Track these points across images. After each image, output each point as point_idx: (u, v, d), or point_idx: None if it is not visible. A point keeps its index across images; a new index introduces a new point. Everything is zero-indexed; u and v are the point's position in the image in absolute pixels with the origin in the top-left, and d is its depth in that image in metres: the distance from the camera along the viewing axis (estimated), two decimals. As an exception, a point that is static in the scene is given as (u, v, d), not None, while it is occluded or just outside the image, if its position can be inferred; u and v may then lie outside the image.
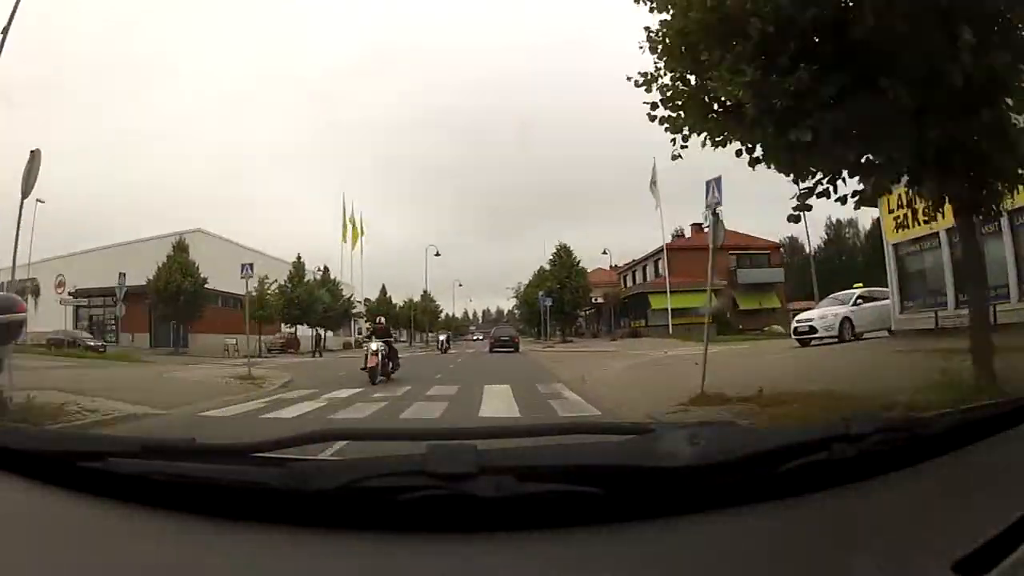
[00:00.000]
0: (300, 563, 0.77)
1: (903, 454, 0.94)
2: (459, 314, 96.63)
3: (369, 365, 12.26)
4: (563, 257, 44.42)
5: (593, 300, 46.76)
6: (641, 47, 5.92)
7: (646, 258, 48.16)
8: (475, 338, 67.15)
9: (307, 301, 37.65)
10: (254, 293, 29.05)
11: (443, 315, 72.36)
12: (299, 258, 39.82)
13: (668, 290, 37.81)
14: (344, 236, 49.81)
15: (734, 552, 0.77)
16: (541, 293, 42.15)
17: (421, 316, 54.33)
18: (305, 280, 39.07)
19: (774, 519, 0.82)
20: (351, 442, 1.05)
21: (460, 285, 68.01)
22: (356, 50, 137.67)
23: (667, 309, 36.90)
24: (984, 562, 0.71)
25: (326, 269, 43.96)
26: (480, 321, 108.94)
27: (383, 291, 51.28)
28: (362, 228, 51.98)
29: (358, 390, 11.04)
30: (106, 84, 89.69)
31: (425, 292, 61.56)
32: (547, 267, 45.16)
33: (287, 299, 36.90)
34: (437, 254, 55.75)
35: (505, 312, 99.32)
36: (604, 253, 51.96)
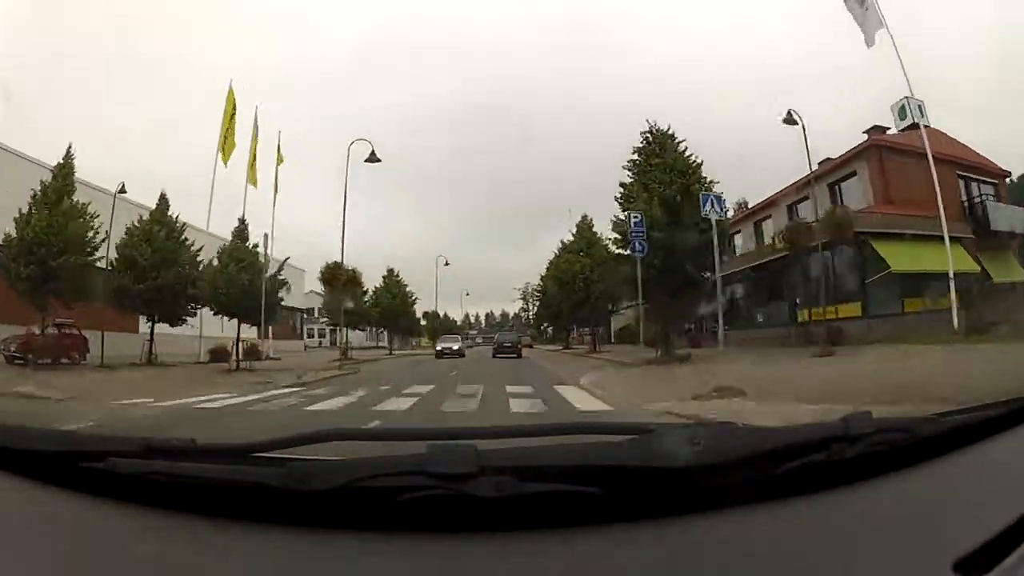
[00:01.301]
0: (300, 563, 0.77)
1: (903, 454, 0.94)
2: (455, 316, 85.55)
3: None
4: (660, 149, 18.06)
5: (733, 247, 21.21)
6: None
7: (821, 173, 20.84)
8: (446, 347, 30.83)
9: (50, 246, 16.48)
10: None
11: (416, 306, 46.97)
12: (68, 154, 18.25)
13: (946, 232, 16.59)
14: (224, 148, 26.10)
15: (734, 552, 0.77)
16: (628, 217, 17.49)
17: (362, 302, 32.99)
18: (70, 203, 17.61)
19: (774, 519, 0.82)
20: (351, 442, 1.05)
21: (447, 264, 45.88)
22: (356, 48, 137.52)
23: (949, 276, 16.22)
24: (984, 562, 0.71)
25: (163, 198, 21.38)
26: (483, 325, 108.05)
27: (239, 233, 22.24)
28: (279, 154, 26.91)
29: None
30: (105, 76, 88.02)
31: (390, 271, 41.84)
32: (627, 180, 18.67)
33: (20, 242, 16.74)
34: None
35: (511, 315, 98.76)
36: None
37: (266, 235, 21.94)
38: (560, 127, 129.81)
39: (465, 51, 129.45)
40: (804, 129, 18.15)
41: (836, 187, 22.35)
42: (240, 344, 20.27)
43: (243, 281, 20.00)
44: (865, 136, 21.76)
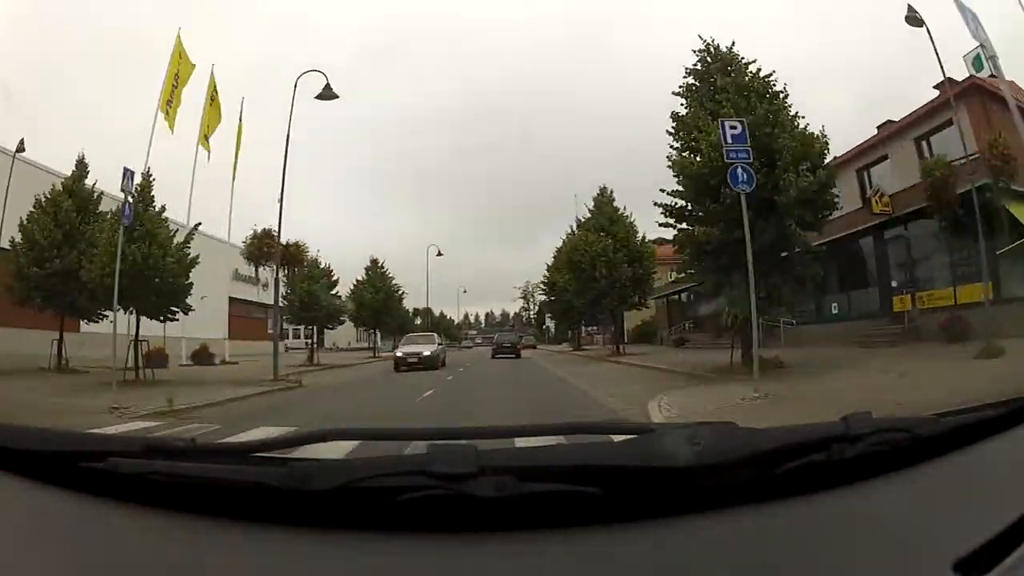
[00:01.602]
0: (300, 563, 0.77)
1: (903, 454, 0.94)
2: (452, 315, 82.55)
3: None
4: (727, 68, 13.11)
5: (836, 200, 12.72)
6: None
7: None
8: (409, 354, 21.81)
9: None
10: None
11: (406, 302, 41.15)
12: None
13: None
14: (168, 108, 22.35)
15: (734, 552, 0.77)
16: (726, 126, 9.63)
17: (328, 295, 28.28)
18: None
19: (774, 519, 0.82)
20: (351, 442, 1.06)
21: (440, 254, 44.23)
22: (355, 46, 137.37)
23: None
24: (984, 562, 0.71)
25: (80, 163, 17.95)
26: (483, 324, 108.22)
27: (141, 193, 14.36)
28: (241, 124, 25.41)
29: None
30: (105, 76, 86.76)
31: (374, 262, 35.71)
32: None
33: None
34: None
35: (511, 315, 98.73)
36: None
37: (126, 170, 12.69)
38: (560, 126, 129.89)
39: (464, 48, 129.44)
40: (930, 32, 13.01)
41: (925, 141, 16.92)
42: (140, 345, 14.68)
43: (136, 257, 13.62)
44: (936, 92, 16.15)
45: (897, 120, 18.17)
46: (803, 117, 12.85)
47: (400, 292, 37.89)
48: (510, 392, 12.75)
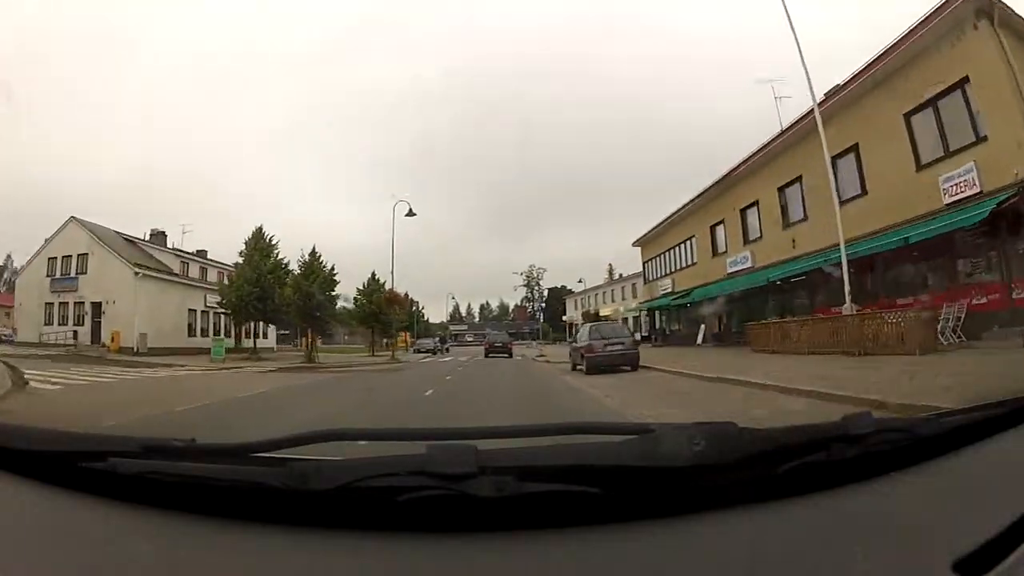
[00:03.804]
0: (300, 563, 0.77)
1: (903, 454, 0.94)
2: (438, 312, 78.64)
3: None
4: None
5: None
6: None
7: None
8: None
9: None
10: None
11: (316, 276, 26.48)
12: None
13: None
14: None
15: (734, 552, 0.77)
16: None
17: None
18: None
19: (774, 519, 0.83)
20: (351, 442, 1.06)
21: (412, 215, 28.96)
22: (350, 26, 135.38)
23: None
24: (984, 562, 0.71)
25: None
26: (475, 319, 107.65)
27: None
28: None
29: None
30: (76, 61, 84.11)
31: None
32: None
33: None
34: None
35: (511, 307, 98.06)
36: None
37: None
38: (564, 124, 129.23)
39: (462, 35, 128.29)
40: None
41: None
42: None
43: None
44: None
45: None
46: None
47: (330, 270, 23.54)
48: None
